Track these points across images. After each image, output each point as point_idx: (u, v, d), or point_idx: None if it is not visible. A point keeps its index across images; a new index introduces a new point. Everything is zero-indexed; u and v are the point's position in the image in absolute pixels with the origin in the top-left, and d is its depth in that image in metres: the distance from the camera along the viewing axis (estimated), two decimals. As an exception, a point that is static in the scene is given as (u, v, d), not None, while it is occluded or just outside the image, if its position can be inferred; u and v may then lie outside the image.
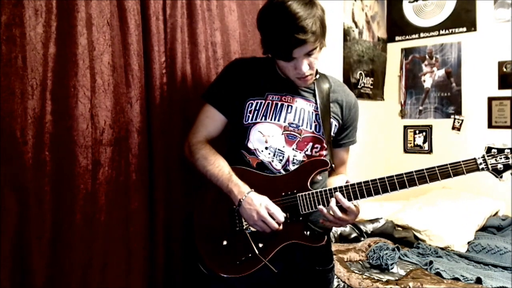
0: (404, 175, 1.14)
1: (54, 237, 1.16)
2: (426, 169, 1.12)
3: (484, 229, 2.51)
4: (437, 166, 1.12)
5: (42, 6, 1.13)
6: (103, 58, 1.26)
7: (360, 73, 2.99)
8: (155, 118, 1.43)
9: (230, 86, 1.31)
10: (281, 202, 1.21)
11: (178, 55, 1.48)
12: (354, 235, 2.31)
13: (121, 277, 1.32)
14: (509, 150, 1.10)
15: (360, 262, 2.04)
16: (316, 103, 1.30)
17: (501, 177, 1.11)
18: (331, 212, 1.17)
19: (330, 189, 1.19)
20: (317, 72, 1.32)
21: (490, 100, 2.88)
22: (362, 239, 2.29)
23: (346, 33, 2.83)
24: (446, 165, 1.11)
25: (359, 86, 2.98)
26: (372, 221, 2.44)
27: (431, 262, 2.01)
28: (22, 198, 1.10)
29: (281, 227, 1.17)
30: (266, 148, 1.26)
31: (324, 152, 1.32)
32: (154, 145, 1.43)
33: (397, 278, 1.86)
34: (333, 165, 1.29)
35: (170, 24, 1.47)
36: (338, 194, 1.16)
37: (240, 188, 1.19)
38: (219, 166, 1.23)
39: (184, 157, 1.35)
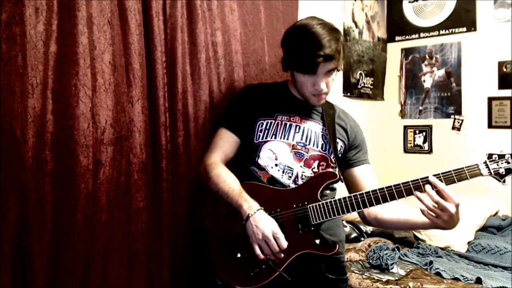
0: (411, 183, 1.17)
1: (54, 237, 1.15)
2: (433, 175, 1.16)
3: (484, 229, 2.51)
4: (442, 173, 1.16)
5: (42, 5, 1.12)
6: (104, 57, 1.25)
7: (360, 73, 2.98)
8: (158, 117, 1.42)
9: (242, 109, 1.40)
10: (292, 213, 1.24)
11: (178, 55, 1.48)
12: (354, 235, 2.31)
13: (122, 277, 1.32)
14: (509, 156, 1.15)
15: (360, 262, 2.04)
16: (323, 125, 1.39)
17: (504, 181, 1.15)
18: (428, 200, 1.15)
19: (340, 199, 1.23)
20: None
21: (490, 100, 2.89)
22: (362, 239, 2.29)
23: (346, 33, 2.82)
24: (450, 171, 1.16)
25: (359, 86, 2.98)
26: (372, 221, 2.43)
27: (431, 262, 2.01)
28: (23, 198, 1.10)
29: (282, 255, 1.18)
30: (276, 165, 1.33)
31: (331, 170, 1.37)
32: (158, 145, 1.43)
33: (397, 278, 1.86)
34: (341, 177, 1.34)
35: (170, 24, 1.46)
36: (434, 178, 1.14)
37: (249, 204, 1.20)
38: (229, 184, 1.26)
39: (201, 179, 1.38)
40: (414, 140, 3.23)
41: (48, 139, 1.14)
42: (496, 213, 2.68)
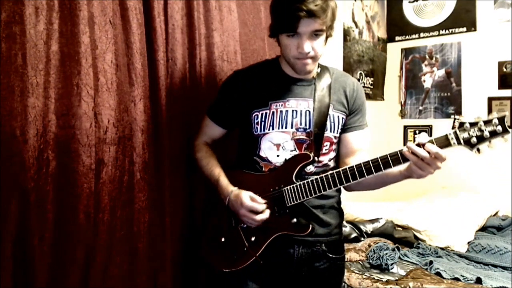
0: (379, 159, 1.14)
1: (56, 237, 1.15)
2: (400, 150, 1.13)
3: (484, 229, 2.51)
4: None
5: (43, 4, 1.12)
6: (106, 57, 1.25)
7: (360, 73, 2.98)
8: (161, 117, 1.42)
9: (229, 100, 1.36)
10: (269, 196, 1.26)
11: (179, 56, 1.48)
12: (354, 235, 2.30)
13: (124, 277, 1.31)
14: (482, 123, 1.04)
15: (360, 262, 2.04)
16: (317, 102, 1.31)
17: (478, 150, 1.05)
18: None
19: (312, 180, 1.21)
20: (319, 66, 1.35)
21: (490, 100, 2.89)
22: (362, 239, 2.29)
23: (346, 33, 2.82)
24: (418, 144, 1.11)
25: (359, 86, 2.98)
26: (372, 221, 2.44)
27: (431, 262, 2.01)
28: (23, 197, 1.09)
29: (264, 216, 1.22)
30: (278, 155, 1.31)
31: (334, 147, 1.35)
32: (160, 144, 1.43)
33: (397, 278, 1.86)
34: (315, 158, 1.28)
35: (171, 25, 1.46)
36: (412, 144, 1.10)
37: (223, 192, 1.28)
38: (211, 168, 1.35)
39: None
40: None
41: (50, 138, 1.14)
42: (496, 213, 2.68)
